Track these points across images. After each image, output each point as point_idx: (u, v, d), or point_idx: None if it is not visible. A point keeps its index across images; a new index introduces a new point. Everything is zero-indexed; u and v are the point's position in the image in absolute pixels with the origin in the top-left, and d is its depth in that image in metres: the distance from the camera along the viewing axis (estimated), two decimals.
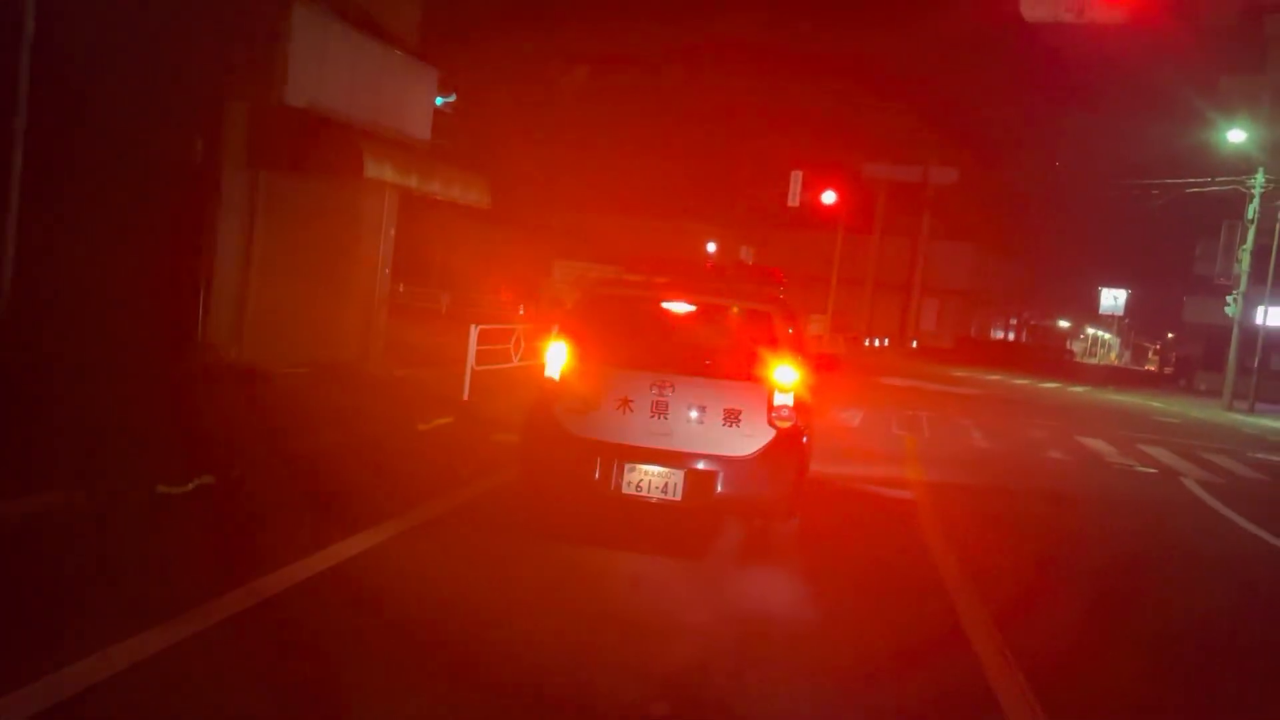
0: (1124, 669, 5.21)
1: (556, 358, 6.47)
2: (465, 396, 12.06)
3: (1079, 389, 34.23)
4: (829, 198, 43.61)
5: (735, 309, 6.79)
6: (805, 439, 6.59)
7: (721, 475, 6.15)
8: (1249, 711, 4.90)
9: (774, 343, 6.43)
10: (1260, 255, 29.94)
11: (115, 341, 9.24)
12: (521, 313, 29.85)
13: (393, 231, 14.52)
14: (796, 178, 41.48)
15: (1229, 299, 30.50)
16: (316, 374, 11.97)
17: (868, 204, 55.64)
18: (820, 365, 7.95)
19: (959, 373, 35.59)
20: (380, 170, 12.21)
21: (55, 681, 3.67)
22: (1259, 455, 17.10)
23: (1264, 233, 29.89)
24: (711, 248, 52.72)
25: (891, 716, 4.17)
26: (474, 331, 12.62)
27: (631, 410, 6.23)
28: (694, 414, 6.21)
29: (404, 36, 14.10)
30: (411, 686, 4.02)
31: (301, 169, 12.03)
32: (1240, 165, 31.15)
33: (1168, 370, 62.69)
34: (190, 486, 6.49)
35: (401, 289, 33.38)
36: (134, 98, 9.94)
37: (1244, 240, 30.33)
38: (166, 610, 4.36)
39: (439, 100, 17.14)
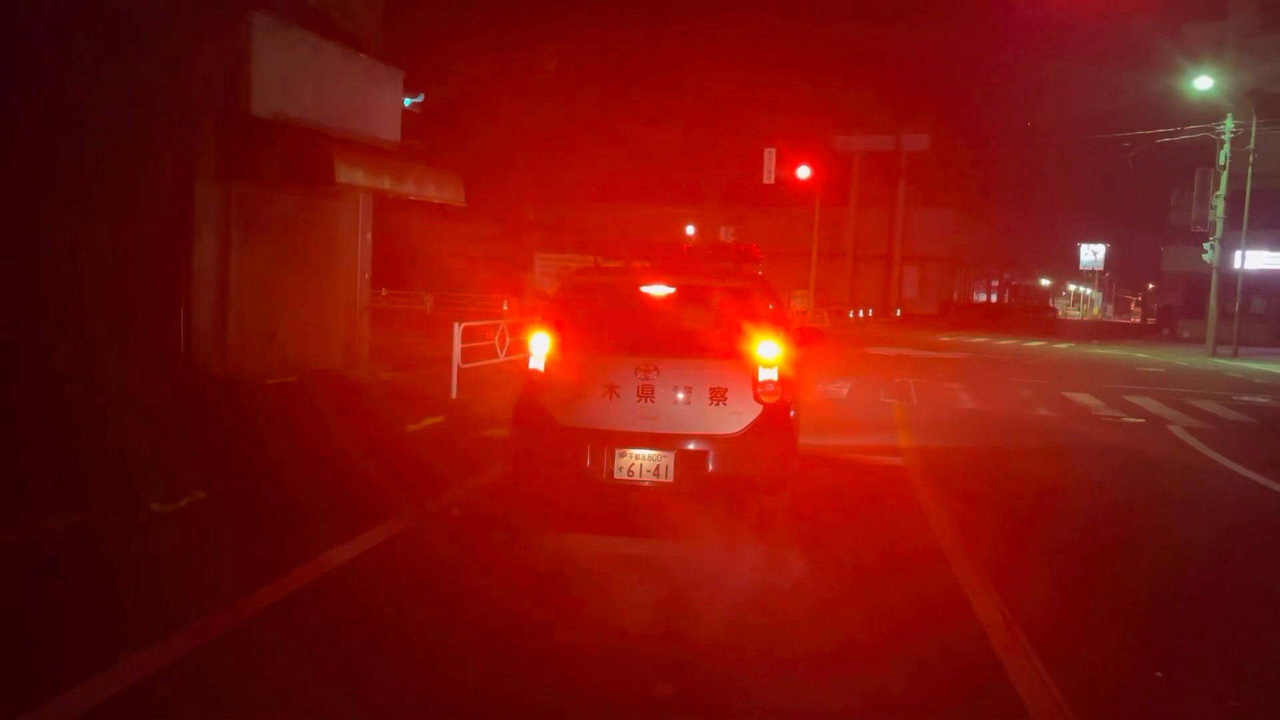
0: (1124, 620, 5.27)
1: (540, 349, 6.50)
2: (453, 395, 12.07)
3: (1063, 345, 34.44)
4: (804, 172, 43.69)
5: (715, 288, 6.82)
6: (793, 412, 6.63)
7: (712, 454, 6.19)
8: (1244, 647, 4.97)
9: (755, 319, 6.46)
10: (1234, 200, 30.15)
11: (98, 361, 9.21)
12: (505, 308, 29.86)
13: (370, 236, 14.50)
14: (770, 154, 41.54)
15: (1206, 246, 30.71)
16: (303, 382, 11.96)
17: (843, 176, 55.75)
18: (804, 339, 7.99)
19: (944, 338, 35.75)
20: (352, 175, 12.18)
21: (60, 705, 3.70)
22: (1244, 398, 17.27)
23: (1237, 178, 30.09)
24: (691, 230, 52.76)
25: (897, 685, 4.21)
26: (458, 329, 12.64)
27: (618, 396, 6.26)
28: (680, 395, 6.24)
29: (367, 39, 14.04)
30: (419, 683, 4.06)
31: (273, 179, 11.98)
32: (1209, 112, 31.33)
33: (1150, 321, 63.10)
34: (183, 503, 6.50)
35: (384, 293, 33.39)
36: (98, 116, 9.88)
37: (1217, 187, 30.53)
38: (168, 627, 4.40)
39: (407, 101, 17.07)
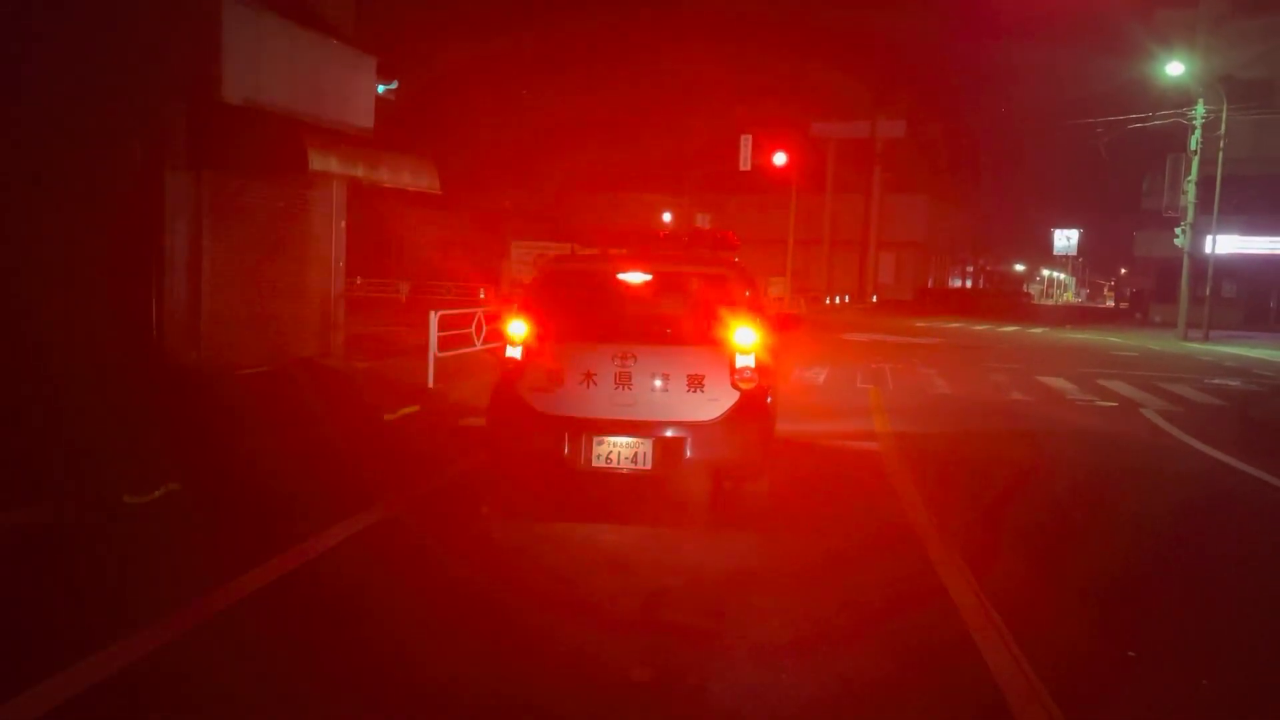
0: (1097, 600, 5.33)
1: (517, 337, 6.47)
2: (430, 384, 12.03)
3: (1038, 330, 34.72)
4: (780, 159, 43.71)
5: (691, 275, 6.81)
6: (769, 399, 6.65)
7: (689, 440, 6.19)
8: (1215, 625, 5.04)
9: (732, 306, 6.46)
10: (1205, 185, 30.44)
11: (68, 353, 9.10)
12: (482, 296, 29.75)
13: (344, 223, 14.38)
14: (746, 141, 41.53)
15: (1178, 230, 31.02)
16: (277, 372, 11.87)
17: (819, 163, 55.82)
18: (781, 325, 8.01)
19: (920, 323, 35.94)
20: (325, 163, 12.06)
21: (30, 699, 3.67)
22: (1215, 381, 17.48)
23: (1208, 163, 30.37)
24: (667, 217, 52.73)
25: (874, 667, 4.24)
26: (434, 318, 12.58)
27: (595, 383, 6.25)
28: (658, 382, 6.24)
29: (340, 25, 13.89)
30: (397, 672, 4.05)
31: (245, 166, 11.86)
32: (1181, 98, 31.59)
33: (1123, 305, 63.65)
34: (157, 495, 6.44)
35: (359, 282, 33.20)
36: (64, 103, 9.74)
37: (1189, 172, 30.81)
38: (142, 620, 4.37)
39: (380, 88, 16.90)
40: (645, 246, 7.36)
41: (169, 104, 11.02)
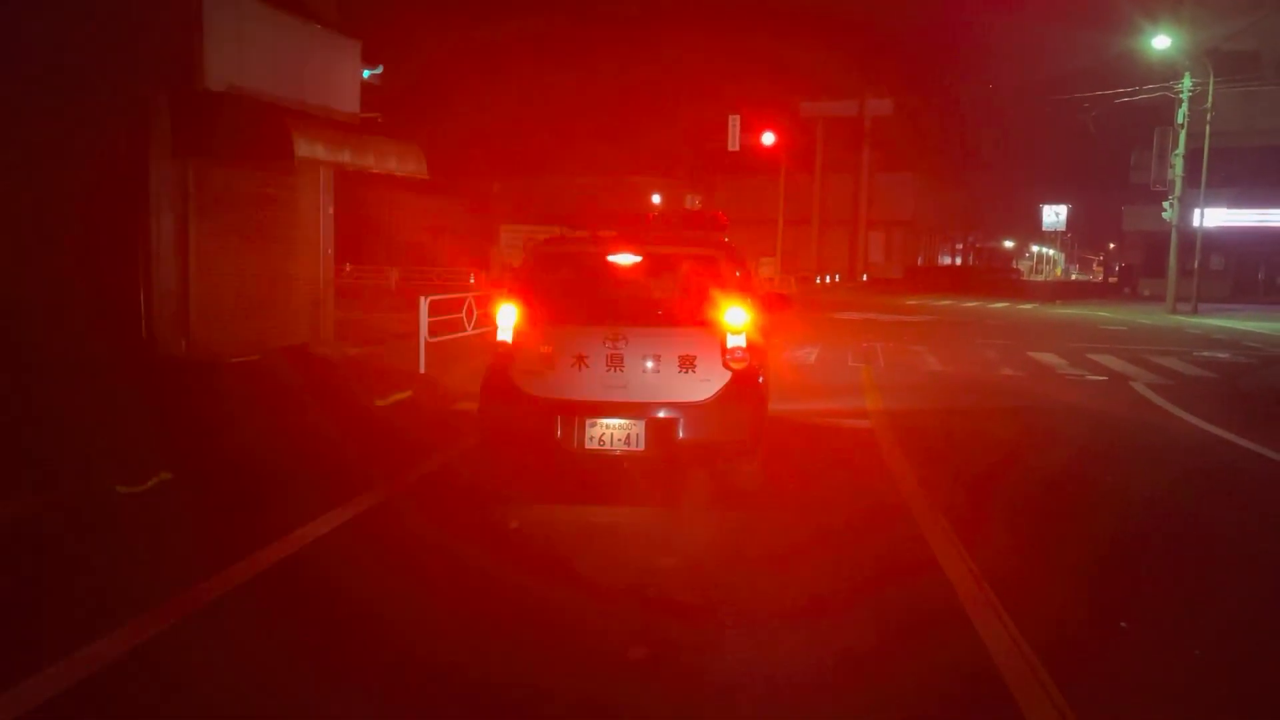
0: (1089, 572, 5.36)
1: (507, 321, 6.46)
2: (421, 369, 12.00)
3: (1027, 306, 34.81)
4: (768, 139, 43.60)
5: (681, 256, 6.80)
6: (761, 379, 6.66)
7: (682, 421, 6.20)
8: (1206, 595, 5.08)
9: (722, 286, 6.46)
10: (1193, 159, 30.48)
11: (56, 343, 9.07)
12: (472, 281, 29.70)
13: (331, 210, 14.32)
14: (734, 121, 41.40)
15: (1165, 204, 31.07)
16: (268, 360, 11.84)
17: (808, 142, 55.72)
18: (772, 305, 8.00)
19: (910, 301, 36.00)
20: (312, 149, 11.99)
21: (20, 693, 3.66)
22: (1204, 354, 17.55)
23: (1195, 136, 30.40)
24: (657, 199, 52.63)
25: (868, 642, 4.26)
26: (424, 303, 12.55)
27: (587, 366, 6.25)
28: (649, 364, 6.24)
29: (322, 10, 13.79)
30: (391, 657, 4.06)
31: (231, 154, 11.78)
32: (1168, 71, 31.58)
33: (1112, 280, 63.84)
34: (149, 484, 6.43)
35: (348, 269, 33.10)
36: (47, 94, 9.67)
37: (1176, 145, 30.83)
38: (134, 610, 4.36)
39: (365, 73, 16.80)
40: (634, 228, 7.34)
41: (152, 92, 10.95)
